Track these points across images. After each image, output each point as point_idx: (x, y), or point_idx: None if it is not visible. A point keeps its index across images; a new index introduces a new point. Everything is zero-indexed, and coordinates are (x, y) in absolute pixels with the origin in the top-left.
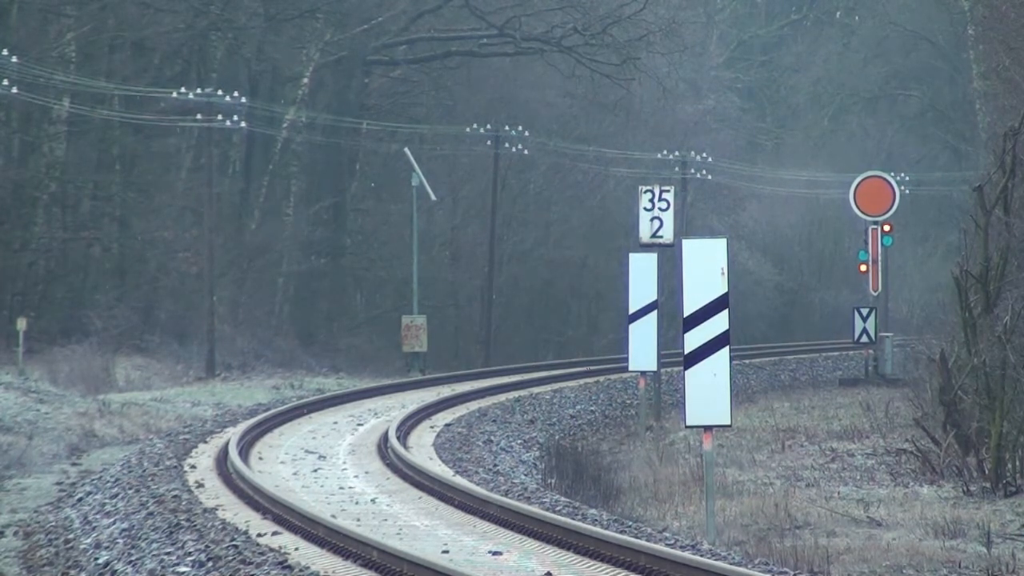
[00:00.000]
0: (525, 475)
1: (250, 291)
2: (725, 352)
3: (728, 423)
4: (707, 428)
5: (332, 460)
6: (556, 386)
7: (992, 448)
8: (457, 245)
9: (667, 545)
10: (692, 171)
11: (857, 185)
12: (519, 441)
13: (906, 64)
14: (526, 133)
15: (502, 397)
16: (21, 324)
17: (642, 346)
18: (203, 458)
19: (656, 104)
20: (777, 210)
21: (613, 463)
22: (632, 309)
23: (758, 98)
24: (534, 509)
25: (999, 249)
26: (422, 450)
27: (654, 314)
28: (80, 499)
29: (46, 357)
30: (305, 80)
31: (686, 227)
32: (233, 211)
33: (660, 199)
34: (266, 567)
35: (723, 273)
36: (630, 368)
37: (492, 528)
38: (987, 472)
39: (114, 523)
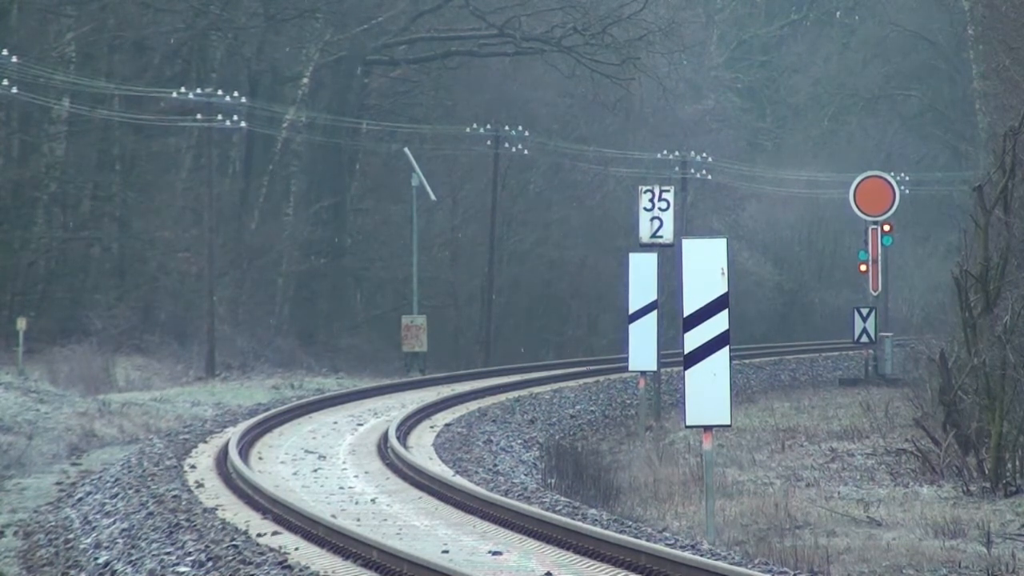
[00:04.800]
0: (525, 475)
1: (250, 291)
2: (725, 352)
3: (728, 423)
4: (707, 428)
5: (332, 460)
6: (556, 386)
7: (992, 448)
8: (457, 245)
9: (667, 545)
10: (692, 171)
11: (857, 185)
12: (519, 441)
13: (906, 64)
14: (526, 133)
15: (502, 397)
16: (21, 324)
17: (642, 346)
18: (203, 458)
19: (656, 104)
20: (777, 210)
21: (613, 463)
22: (632, 309)
23: (758, 98)
24: (534, 509)
25: (999, 249)
26: (422, 450)
27: (654, 314)
28: (80, 499)
29: (46, 357)
30: (305, 80)
31: (686, 227)
32: (233, 211)
33: (660, 199)
34: (266, 567)
35: (723, 273)
36: (630, 368)
37: (492, 528)
38: (987, 472)
39: (114, 523)
